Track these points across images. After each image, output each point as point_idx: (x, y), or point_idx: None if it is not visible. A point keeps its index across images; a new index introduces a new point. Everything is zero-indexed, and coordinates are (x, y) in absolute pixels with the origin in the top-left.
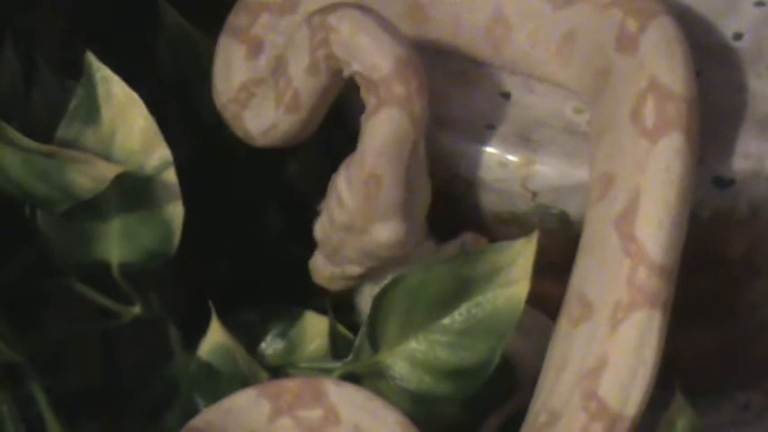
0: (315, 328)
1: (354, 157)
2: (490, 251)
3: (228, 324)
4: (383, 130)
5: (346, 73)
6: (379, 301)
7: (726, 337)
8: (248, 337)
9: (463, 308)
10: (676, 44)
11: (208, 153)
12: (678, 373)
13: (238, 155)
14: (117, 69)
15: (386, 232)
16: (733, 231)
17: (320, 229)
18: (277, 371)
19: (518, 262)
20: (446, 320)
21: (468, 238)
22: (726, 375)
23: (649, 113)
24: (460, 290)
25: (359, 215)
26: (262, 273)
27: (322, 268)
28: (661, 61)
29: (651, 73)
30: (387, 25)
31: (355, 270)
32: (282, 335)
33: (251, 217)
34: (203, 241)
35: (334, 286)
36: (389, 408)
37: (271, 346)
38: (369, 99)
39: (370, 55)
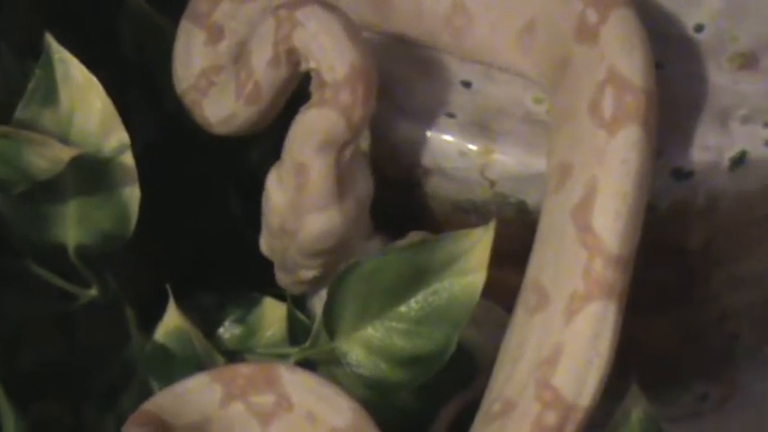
0: (273, 314)
1: (283, 149)
2: (447, 239)
3: (187, 308)
4: (315, 126)
5: (303, 67)
6: (335, 289)
7: (685, 328)
8: (207, 321)
9: (420, 296)
10: (636, 36)
11: (171, 137)
12: (637, 363)
13: (201, 139)
14: (80, 52)
15: (317, 223)
16: (692, 223)
17: (263, 243)
18: (234, 356)
19: (475, 251)
20: (402, 308)
21: (415, 237)
22: (685, 366)
23: (608, 105)
24: (417, 278)
25: (290, 212)
26: (222, 257)
27: (281, 280)
28: (620, 53)
29: (610, 64)
30: (351, 29)
31: (309, 274)
32: (241, 320)
33: (213, 202)
34: (164, 225)
35: (299, 290)
36: (342, 394)
37: (229, 330)
38: (314, 94)
39: (329, 57)
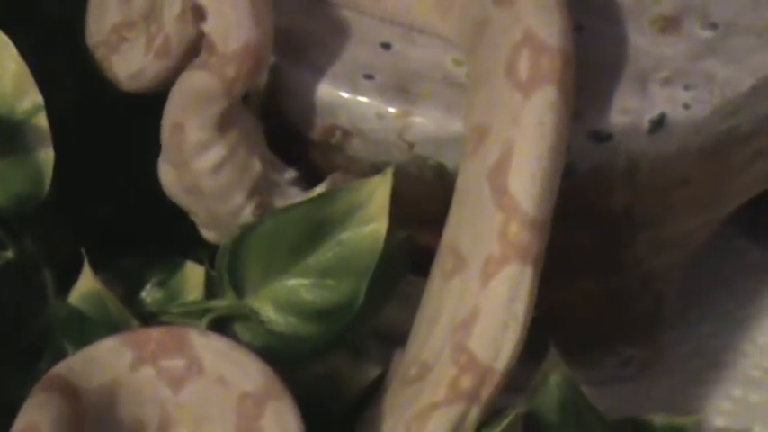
0: (194, 277)
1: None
2: (345, 190)
3: (109, 271)
4: (194, 88)
5: (200, 27)
6: (237, 247)
7: (609, 292)
8: (129, 284)
9: (323, 248)
10: None
11: (94, 97)
12: (560, 327)
13: (125, 100)
14: None
15: (206, 162)
16: (613, 185)
17: (197, 223)
18: (154, 319)
19: (374, 199)
20: (307, 261)
21: (336, 178)
22: (609, 330)
23: (523, 66)
24: (319, 230)
25: (180, 172)
26: (146, 220)
27: (205, 236)
28: (537, 14)
29: (526, 26)
30: (259, 2)
31: (244, 215)
32: (162, 284)
33: (136, 164)
34: (87, 187)
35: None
36: (254, 358)
37: (150, 294)
38: (202, 54)
39: (225, 27)
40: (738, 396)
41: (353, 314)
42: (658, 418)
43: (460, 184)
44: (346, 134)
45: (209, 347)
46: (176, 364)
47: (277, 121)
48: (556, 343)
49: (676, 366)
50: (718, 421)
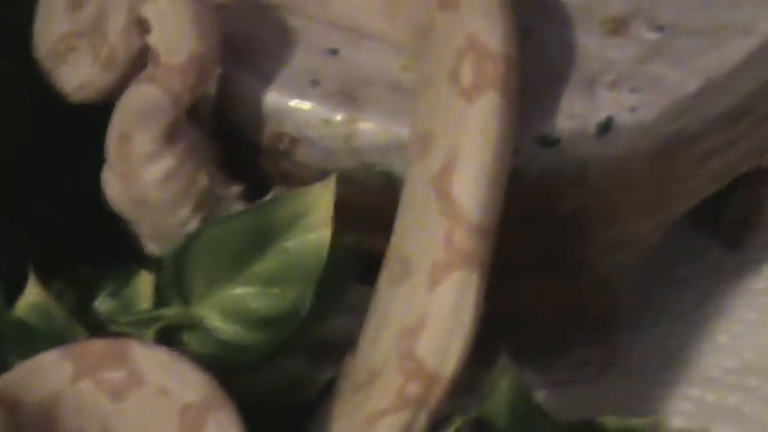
0: (146, 286)
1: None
2: (288, 198)
3: (62, 280)
4: (141, 101)
5: (145, 39)
6: (182, 256)
7: (563, 294)
8: (82, 293)
9: (268, 256)
10: (497, 2)
11: (46, 104)
12: (515, 330)
13: (75, 106)
14: None
15: (152, 174)
16: (562, 189)
17: (142, 236)
18: (104, 329)
19: (318, 206)
20: (252, 270)
21: (278, 193)
22: (565, 332)
23: (467, 72)
24: (263, 238)
25: (126, 184)
26: (99, 226)
27: (149, 248)
28: (480, 19)
29: (470, 31)
30: (202, 13)
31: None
32: (115, 293)
33: (88, 170)
34: (38, 194)
35: None
36: (196, 369)
37: (103, 303)
38: (149, 67)
39: (169, 39)
40: (696, 396)
41: (300, 321)
42: (613, 421)
43: (406, 190)
44: (294, 141)
45: (150, 359)
46: (117, 376)
47: (227, 128)
48: (510, 346)
49: (634, 367)
50: (677, 422)
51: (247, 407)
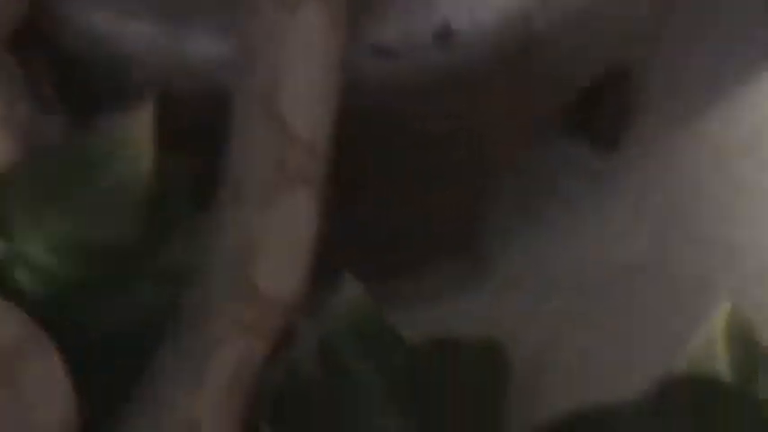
0: None
1: None
2: (110, 124)
3: None
4: None
5: None
6: (2, 191)
7: (422, 208)
8: None
9: (91, 185)
10: None
11: None
12: (371, 249)
13: None
14: None
15: None
16: (403, 101)
17: None
18: None
19: (139, 131)
20: (75, 200)
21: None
22: (429, 245)
23: None
24: (86, 167)
25: None
26: None
27: None
28: None
29: None
30: None
31: None
32: None
33: None
34: None
35: None
36: (10, 308)
37: None
38: None
39: None
40: (562, 308)
41: (130, 250)
42: (470, 338)
43: (236, 111)
44: (122, 60)
45: None
46: None
47: (51, 52)
48: (369, 264)
49: (504, 280)
50: (541, 334)
51: (90, 341)
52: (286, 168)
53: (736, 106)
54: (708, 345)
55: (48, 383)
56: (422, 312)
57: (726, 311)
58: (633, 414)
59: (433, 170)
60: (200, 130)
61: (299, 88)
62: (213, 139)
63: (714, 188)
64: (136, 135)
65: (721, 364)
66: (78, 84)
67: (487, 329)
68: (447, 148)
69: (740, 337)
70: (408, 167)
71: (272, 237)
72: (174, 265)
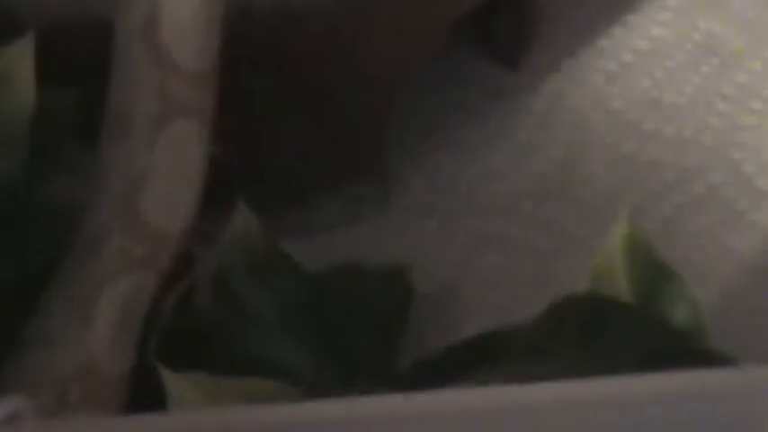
0: None
1: None
2: None
3: None
4: None
5: None
6: None
7: (323, 131)
8: None
9: None
10: None
11: None
12: (272, 179)
13: None
14: None
15: None
16: (296, 24)
17: None
18: None
19: (18, 67)
20: None
21: None
22: (331, 170)
23: None
24: None
25: None
26: None
27: None
28: None
29: None
30: None
31: None
32: None
33: None
34: None
35: None
36: None
37: None
38: None
39: None
40: (473, 229)
41: (14, 188)
42: (370, 263)
43: (119, 43)
44: None
45: None
46: None
47: None
48: (267, 193)
49: (410, 201)
50: (450, 271)
51: None
52: (170, 99)
53: (639, 18)
54: (608, 261)
55: None
56: (329, 241)
57: (624, 228)
58: (528, 335)
59: (328, 92)
60: (85, 62)
61: (179, 17)
62: (99, 72)
63: (620, 103)
64: (18, 70)
65: (621, 280)
66: None
67: (399, 254)
68: (339, 67)
69: (638, 252)
70: (301, 92)
71: (159, 170)
72: (59, 201)
